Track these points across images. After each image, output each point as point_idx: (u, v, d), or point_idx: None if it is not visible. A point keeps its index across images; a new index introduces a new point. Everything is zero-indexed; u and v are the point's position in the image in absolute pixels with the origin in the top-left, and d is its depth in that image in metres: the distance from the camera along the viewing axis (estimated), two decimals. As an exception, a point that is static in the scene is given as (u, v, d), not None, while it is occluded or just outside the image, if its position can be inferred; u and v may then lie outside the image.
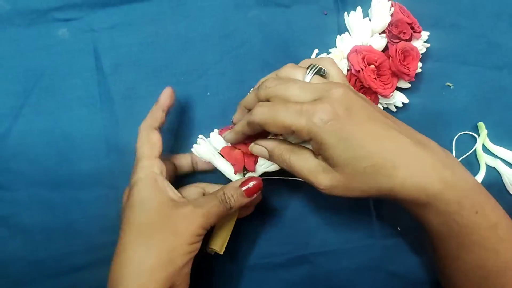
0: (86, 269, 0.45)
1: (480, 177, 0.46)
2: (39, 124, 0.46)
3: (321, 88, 0.34)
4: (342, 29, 0.47)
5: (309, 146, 0.36)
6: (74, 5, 0.47)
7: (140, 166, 0.37)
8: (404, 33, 0.43)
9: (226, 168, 0.40)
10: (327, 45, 0.46)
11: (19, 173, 0.46)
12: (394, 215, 0.46)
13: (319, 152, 0.34)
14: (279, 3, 0.47)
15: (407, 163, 0.32)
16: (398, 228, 0.46)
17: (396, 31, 0.42)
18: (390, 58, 0.43)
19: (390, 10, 0.43)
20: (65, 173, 0.46)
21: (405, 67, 0.42)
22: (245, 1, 0.48)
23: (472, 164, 0.47)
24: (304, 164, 0.35)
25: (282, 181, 0.44)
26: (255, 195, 0.37)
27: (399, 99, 0.45)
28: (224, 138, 0.39)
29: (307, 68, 0.37)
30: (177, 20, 0.47)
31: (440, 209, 0.33)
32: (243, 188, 0.37)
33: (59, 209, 0.45)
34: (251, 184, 0.37)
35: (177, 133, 0.46)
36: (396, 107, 0.46)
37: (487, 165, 0.46)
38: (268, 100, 0.35)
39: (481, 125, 0.46)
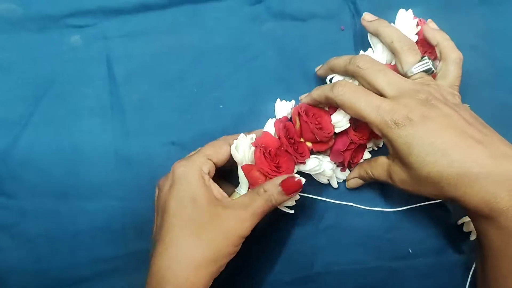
0: (90, 281, 0.44)
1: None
2: (48, 133, 0.45)
3: (407, 89, 0.35)
4: (359, 45, 0.46)
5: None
6: (87, 12, 0.46)
7: (192, 159, 0.36)
8: (430, 53, 0.41)
9: (243, 181, 0.39)
10: (343, 61, 0.45)
11: (26, 181, 0.45)
12: (406, 236, 0.45)
13: (389, 149, 0.36)
14: (295, 17, 0.47)
15: (476, 175, 0.32)
16: (410, 250, 0.45)
17: (422, 51, 0.41)
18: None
19: (416, 27, 0.42)
20: (72, 184, 0.45)
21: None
22: (261, 14, 0.47)
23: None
24: (381, 171, 0.38)
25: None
26: (295, 193, 0.37)
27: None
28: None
29: (420, 59, 0.37)
30: (192, 31, 0.47)
31: (503, 225, 0.32)
32: (283, 188, 0.36)
33: (65, 220, 0.44)
34: (292, 182, 0.36)
35: (187, 145, 0.45)
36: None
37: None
38: (353, 77, 0.37)
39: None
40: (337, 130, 0.40)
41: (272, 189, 0.36)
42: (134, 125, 0.45)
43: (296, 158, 0.38)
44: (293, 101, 0.42)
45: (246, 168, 0.37)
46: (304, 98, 0.41)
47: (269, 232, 0.45)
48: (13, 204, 0.44)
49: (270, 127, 0.40)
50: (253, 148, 0.38)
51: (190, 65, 0.46)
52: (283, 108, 0.41)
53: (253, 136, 0.39)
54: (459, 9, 0.48)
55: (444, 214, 0.46)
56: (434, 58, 0.42)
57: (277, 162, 0.38)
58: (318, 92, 0.38)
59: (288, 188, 0.36)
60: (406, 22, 0.42)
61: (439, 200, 0.43)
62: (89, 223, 0.45)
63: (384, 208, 0.45)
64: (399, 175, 0.36)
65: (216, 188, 0.36)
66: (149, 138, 0.45)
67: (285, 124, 0.39)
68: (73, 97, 0.46)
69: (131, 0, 0.46)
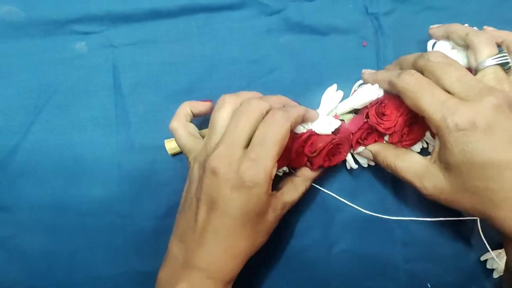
0: (87, 301, 0.42)
1: None
2: (49, 143, 0.43)
3: (478, 89, 0.32)
4: (381, 63, 0.44)
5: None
6: (94, 18, 0.44)
7: (263, 166, 0.32)
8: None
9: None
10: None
11: (24, 193, 0.43)
12: (425, 269, 0.43)
13: (438, 150, 0.33)
14: (315, 30, 0.44)
15: None
16: (428, 285, 0.42)
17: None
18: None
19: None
20: (72, 197, 0.43)
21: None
22: (278, 25, 0.44)
23: None
24: (409, 167, 0.35)
25: (303, 219, 0.42)
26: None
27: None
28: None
29: (498, 52, 0.35)
30: (203, 41, 0.44)
31: None
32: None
33: (63, 235, 0.43)
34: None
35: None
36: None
37: None
38: (422, 71, 0.34)
39: None
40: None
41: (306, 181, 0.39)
42: (140, 138, 0.43)
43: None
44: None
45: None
46: (367, 74, 0.39)
47: (280, 256, 0.43)
48: (9, 216, 0.43)
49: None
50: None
51: (200, 77, 0.44)
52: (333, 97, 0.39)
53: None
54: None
55: (467, 248, 0.43)
56: None
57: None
58: (384, 75, 0.37)
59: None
60: (443, 48, 0.39)
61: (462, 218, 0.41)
62: (88, 239, 0.43)
63: (391, 216, 0.43)
64: (437, 181, 0.33)
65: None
66: (155, 153, 0.43)
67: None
68: (76, 106, 0.44)
69: (140, 7, 0.44)
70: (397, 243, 0.43)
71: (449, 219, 0.42)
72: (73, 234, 0.42)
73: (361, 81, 0.40)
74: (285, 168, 0.40)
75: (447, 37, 0.39)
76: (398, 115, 0.38)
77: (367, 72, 0.40)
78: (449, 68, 0.33)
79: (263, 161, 0.32)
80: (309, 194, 0.44)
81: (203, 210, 0.34)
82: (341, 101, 0.39)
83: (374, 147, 0.39)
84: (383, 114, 0.38)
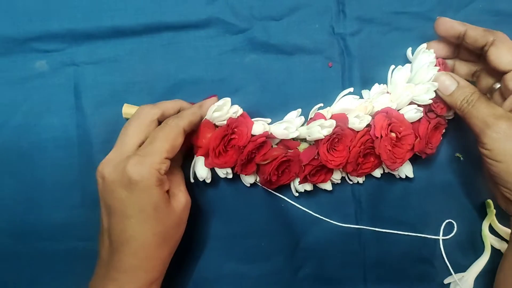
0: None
1: (484, 259, 0.42)
2: (8, 166, 0.42)
3: None
4: (347, 83, 0.43)
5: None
6: (55, 36, 0.42)
7: (149, 161, 0.33)
8: (442, 108, 0.39)
9: None
10: (329, 99, 0.41)
11: (-18, 217, 0.42)
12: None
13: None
14: (280, 50, 0.43)
15: None
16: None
17: (436, 107, 0.38)
18: (418, 138, 0.39)
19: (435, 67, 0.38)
20: (32, 222, 0.42)
21: (430, 147, 0.39)
22: (244, 45, 0.43)
23: (476, 245, 0.43)
24: (489, 109, 0.35)
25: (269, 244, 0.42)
26: None
27: (404, 171, 0.41)
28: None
29: None
30: (167, 60, 0.43)
31: None
32: None
33: (23, 262, 0.42)
34: None
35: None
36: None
37: (492, 247, 0.43)
38: None
39: (489, 203, 0.42)
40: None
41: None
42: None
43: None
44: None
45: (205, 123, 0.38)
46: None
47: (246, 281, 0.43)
48: (-33, 242, 0.42)
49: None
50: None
51: (164, 96, 0.43)
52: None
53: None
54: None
55: (431, 270, 0.43)
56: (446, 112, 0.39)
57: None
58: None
59: None
60: (424, 58, 0.39)
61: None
62: (49, 266, 0.42)
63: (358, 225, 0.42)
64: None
65: (167, 184, 0.36)
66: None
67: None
68: (37, 127, 0.43)
69: (103, 25, 0.42)
70: (361, 266, 0.43)
71: (412, 234, 0.43)
72: (33, 260, 0.42)
73: (320, 105, 0.40)
74: (229, 171, 0.39)
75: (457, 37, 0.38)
76: (351, 148, 0.37)
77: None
78: None
79: (150, 156, 0.33)
80: (274, 218, 0.44)
81: (105, 219, 0.35)
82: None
83: (463, 81, 0.38)
84: (335, 150, 0.38)
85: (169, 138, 0.34)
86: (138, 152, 0.34)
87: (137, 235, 0.34)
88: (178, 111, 0.39)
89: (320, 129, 0.37)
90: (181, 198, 0.37)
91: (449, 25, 0.38)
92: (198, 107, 0.39)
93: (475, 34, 0.37)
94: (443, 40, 0.40)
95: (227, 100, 0.39)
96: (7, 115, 0.42)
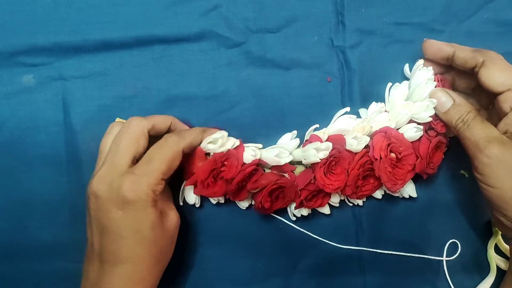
0: None
1: (490, 280, 0.41)
2: (-6, 185, 0.41)
3: None
4: (346, 100, 0.41)
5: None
6: (43, 49, 0.41)
7: (145, 181, 0.33)
8: (442, 126, 0.37)
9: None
10: (327, 116, 0.40)
11: (-33, 238, 0.41)
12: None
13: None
14: (277, 65, 0.41)
15: None
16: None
17: (436, 124, 0.37)
18: (419, 158, 0.37)
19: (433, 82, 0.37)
20: (19, 242, 0.41)
21: (431, 167, 0.37)
22: (239, 59, 0.41)
23: (481, 266, 0.42)
24: (483, 130, 0.34)
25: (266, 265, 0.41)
26: None
27: (407, 190, 0.39)
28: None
29: None
30: (159, 74, 0.42)
31: None
32: None
33: (9, 283, 0.41)
34: None
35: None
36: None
37: (498, 268, 0.41)
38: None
39: (495, 222, 0.41)
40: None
41: None
42: (91, 178, 0.41)
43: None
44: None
45: (198, 154, 0.37)
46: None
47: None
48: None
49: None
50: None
51: (155, 112, 0.40)
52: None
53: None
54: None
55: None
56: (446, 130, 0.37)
57: None
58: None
59: None
60: (422, 75, 0.37)
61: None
62: (36, 287, 0.41)
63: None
64: (498, 154, 0.32)
65: (160, 204, 0.35)
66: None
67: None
68: (24, 144, 0.41)
69: (91, 38, 0.41)
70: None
71: (414, 255, 0.41)
72: (20, 282, 0.41)
73: (315, 126, 0.38)
74: (221, 199, 0.39)
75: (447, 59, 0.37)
76: (349, 170, 0.36)
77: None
78: None
79: (147, 177, 0.33)
80: (272, 238, 0.42)
81: (95, 239, 0.34)
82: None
83: (459, 98, 0.36)
84: (332, 173, 0.36)
85: (167, 159, 0.34)
86: (134, 170, 0.33)
87: (133, 256, 0.33)
88: (169, 127, 0.38)
89: (316, 153, 0.35)
90: (173, 216, 0.36)
91: (436, 48, 0.36)
92: (201, 131, 0.37)
93: (464, 55, 0.35)
94: None
95: (224, 134, 0.37)
96: (-7, 132, 0.41)
